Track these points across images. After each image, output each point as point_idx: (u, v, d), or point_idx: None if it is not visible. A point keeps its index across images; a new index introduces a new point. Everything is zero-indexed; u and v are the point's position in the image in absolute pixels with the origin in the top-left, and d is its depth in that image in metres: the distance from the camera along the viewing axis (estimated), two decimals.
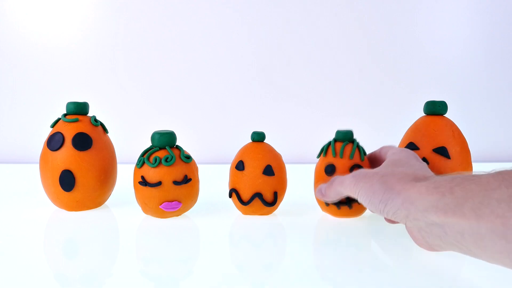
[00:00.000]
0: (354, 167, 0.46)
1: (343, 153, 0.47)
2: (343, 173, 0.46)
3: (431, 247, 0.33)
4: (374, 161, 0.49)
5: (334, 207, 0.48)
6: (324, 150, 0.49)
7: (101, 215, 0.54)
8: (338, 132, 0.49)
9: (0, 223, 0.50)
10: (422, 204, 0.30)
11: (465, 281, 0.36)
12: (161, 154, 0.49)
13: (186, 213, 0.53)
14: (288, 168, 0.54)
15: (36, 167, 0.69)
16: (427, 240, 0.32)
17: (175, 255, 0.41)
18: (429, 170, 0.39)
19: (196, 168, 0.52)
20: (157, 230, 0.48)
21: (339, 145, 0.48)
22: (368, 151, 0.51)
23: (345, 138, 0.48)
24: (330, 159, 0.48)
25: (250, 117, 0.96)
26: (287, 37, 0.94)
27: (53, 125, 0.54)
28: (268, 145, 0.53)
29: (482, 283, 0.35)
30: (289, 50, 0.95)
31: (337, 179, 0.42)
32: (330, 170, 0.47)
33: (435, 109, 0.53)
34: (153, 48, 0.93)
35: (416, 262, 0.38)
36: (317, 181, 0.50)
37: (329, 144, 0.49)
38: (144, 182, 0.48)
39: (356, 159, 0.47)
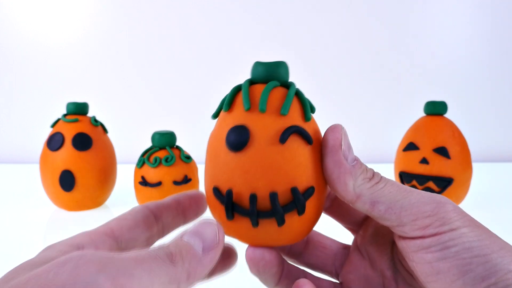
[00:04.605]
0: (290, 132, 0.20)
1: (268, 103, 0.21)
2: (268, 145, 0.20)
3: None
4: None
5: (243, 220, 0.22)
6: (228, 100, 0.22)
7: (101, 215, 0.53)
8: (258, 65, 0.22)
9: (0, 223, 0.50)
10: None
11: None
12: (161, 154, 0.49)
13: None
14: None
15: (36, 167, 0.69)
16: None
17: None
18: None
19: (196, 168, 0.52)
20: None
21: (259, 89, 0.22)
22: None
23: (271, 75, 0.22)
24: (239, 115, 0.21)
25: None
26: (288, 37, 0.94)
27: (53, 125, 0.54)
28: None
29: None
30: (289, 51, 0.95)
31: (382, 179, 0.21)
32: (236, 138, 0.20)
33: (435, 109, 0.53)
34: (154, 48, 0.93)
35: None
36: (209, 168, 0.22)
37: (238, 88, 0.22)
38: (144, 182, 0.48)
39: (294, 117, 0.21)
